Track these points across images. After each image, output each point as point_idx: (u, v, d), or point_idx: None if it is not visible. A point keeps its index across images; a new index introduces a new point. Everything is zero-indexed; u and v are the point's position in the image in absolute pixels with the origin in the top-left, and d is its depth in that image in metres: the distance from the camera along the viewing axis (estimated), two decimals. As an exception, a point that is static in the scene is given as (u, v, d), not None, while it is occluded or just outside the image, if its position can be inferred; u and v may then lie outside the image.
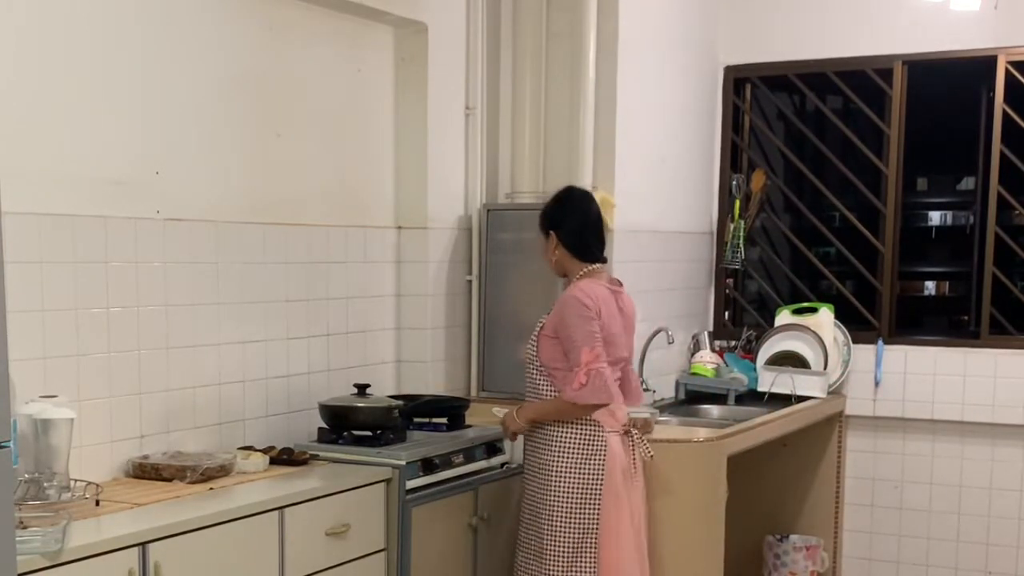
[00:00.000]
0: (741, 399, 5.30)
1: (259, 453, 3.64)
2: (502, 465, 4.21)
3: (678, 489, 4.22)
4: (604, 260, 3.90)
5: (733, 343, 5.82)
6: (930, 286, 6.27)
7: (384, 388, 4.37)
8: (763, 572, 5.48)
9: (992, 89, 5.36)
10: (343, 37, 4.22)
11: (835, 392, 5.45)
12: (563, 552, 3.76)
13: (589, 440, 3.78)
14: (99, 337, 3.35)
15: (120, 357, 3.42)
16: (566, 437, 3.78)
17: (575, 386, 3.69)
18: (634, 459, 3.84)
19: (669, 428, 4.57)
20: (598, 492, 3.76)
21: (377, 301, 4.43)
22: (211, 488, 3.31)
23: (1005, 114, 5.31)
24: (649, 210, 5.22)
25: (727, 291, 6.01)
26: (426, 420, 4.21)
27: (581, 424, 3.78)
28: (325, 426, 3.92)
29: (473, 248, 4.71)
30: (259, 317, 3.90)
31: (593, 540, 3.76)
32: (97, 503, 3.03)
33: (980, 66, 5.38)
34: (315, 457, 3.76)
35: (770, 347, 5.54)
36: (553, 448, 3.79)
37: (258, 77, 3.86)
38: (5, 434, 2.35)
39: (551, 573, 3.78)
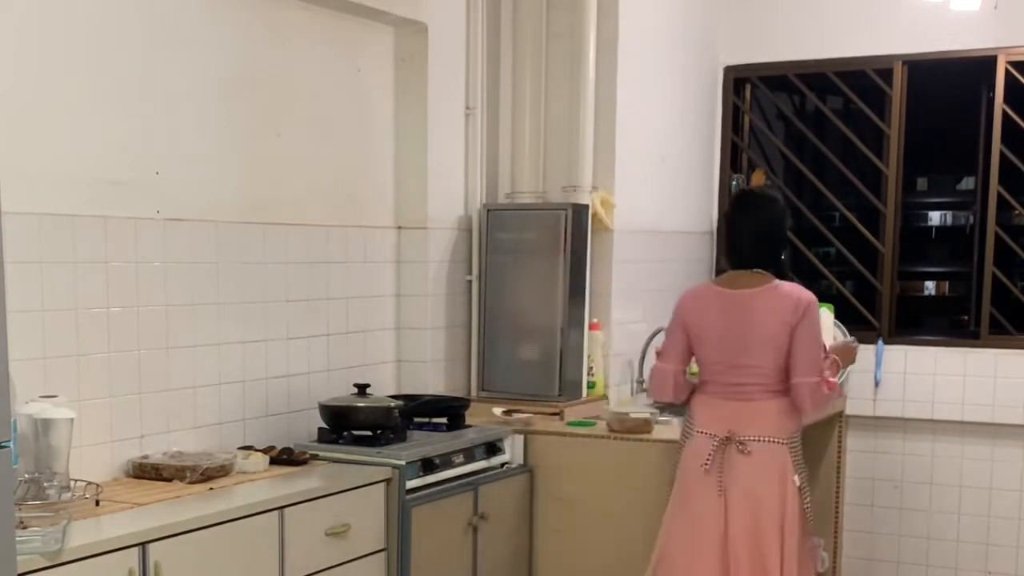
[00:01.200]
0: (741, 399, 5.29)
1: (259, 453, 3.64)
2: (502, 465, 4.22)
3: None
4: (747, 266, 3.86)
5: (733, 343, 5.81)
6: (930, 286, 6.27)
7: (384, 388, 4.37)
8: (763, 572, 5.47)
9: (992, 89, 5.36)
10: (343, 37, 4.22)
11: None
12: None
13: (685, 430, 3.94)
14: (99, 337, 3.35)
15: (120, 357, 3.42)
16: (684, 421, 3.98)
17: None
18: (719, 474, 3.75)
19: (669, 428, 4.56)
20: (673, 479, 3.90)
21: (377, 301, 4.43)
22: (211, 488, 3.31)
23: (1005, 114, 5.31)
24: (649, 210, 5.22)
25: (727, 291, 6.00)
26: (426, 420, 4.21)
27: (687, 413, 3.95)
28: (325, 426, 3.92)
29: (473, 248, 4.71)
30: (259, 317, 3.90)
31: (666, 519, 3.89)
32: (97, 503, 3.03)
33: (980, 66, 5.38)
34: (315, 457, 3.76)
35: (770, 347, 5.53)
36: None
37: (258, 77, 3.86)
38: (5, 434, 2.35)
39: None
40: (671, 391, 3.95)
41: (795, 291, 3.81)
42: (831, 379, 3.78)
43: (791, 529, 3.75)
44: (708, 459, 3.76)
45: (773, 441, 3.77)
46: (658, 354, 4.04)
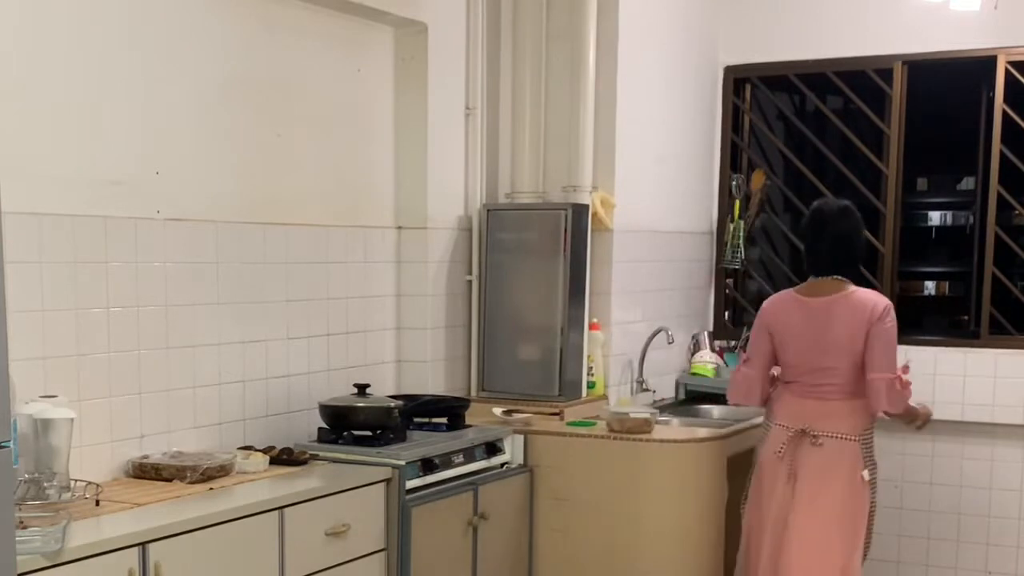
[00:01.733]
0: (741, 399, 5.30)
1: (259, 453, 3.64)
2: (502, 465, 4.22)
3: (678, 489, 4.22)
4: (826, 274, 4.09)
5: (733, 343, 5.81)
6: (930, 286, 6.27)
7: (384, 388, 4.37)
8: (763, 572, 5.47)
9: (992, 89, 5.36)
10: (343, 37, 4.22)
11: (835, 392, 5.44)
12: None
13: (765, 424, 4.20)
14: (99, 337, 3.35)
15: (120, 357, 3.42)
16: (765, 417, 4.24)
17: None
18: (792, 462, 4.00)
19: (669, 428, 4.57)
20: (754, 471, 4.18)
21: (377, 301, 4.43)
22: (211, 488, 3.31)
23: (1005, 114, 5.31)
24: (649, 210, 5.22)
25: (727, 291, 6.01)
26: (426, 420, 4.21)
27: (768, 409, 4.20)
28: (325, 426, 3.92)
29: (473, 248, 4.71)
30: (259, 317, 3.90)
31: (747, 504, 4.21)
32: (97, 503, 3.03)
33: (980, 66, 5.38)
34: (315, 457, 3.76)
35: (770, 347, 5.53)
36: None
37: (258, 77, 3.86)
38: (5, 434, 2.35)
39: None
40: (757, 397, 4.20)
41: (872, 297, 4.04)
42: (905, 377, 3.97)
43: (858, 519, 4.01)
44: (782, 447, 4.01)
45: (844, 438, 4.00)
46: (744, 360, 4.24)
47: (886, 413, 4.06)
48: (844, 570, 3.99)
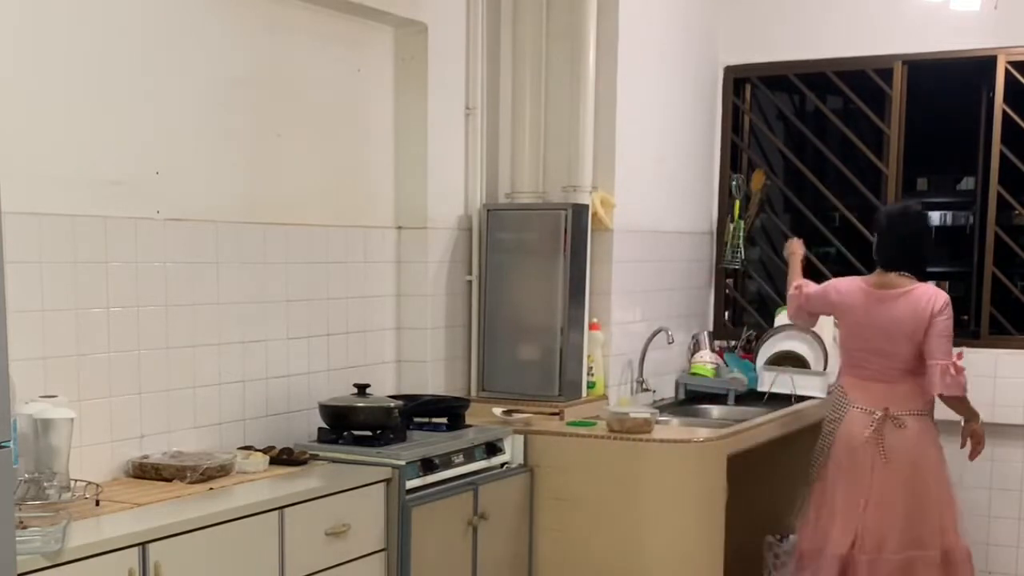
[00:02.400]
0: (741, 399, 5.30)
1: (259, 453, 3.64)
2: (502, 465, 4.22)
3: (678, 489, 4.22)
4: (890, 269, 4.52)
5: (733, 343, 5.82)
6: (930, 286, 6.27)
7: (384, 388, 4.37)
8: (763, 572, 5.47)
9: (992, 89, 5.36)
10: (343, 37, 4.22)
11: (835, 392, 5.45)
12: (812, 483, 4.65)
13: (835, 404, 4.62)
14: (99, 337, 3.35)
15: (120, 357, 3.42)
16: (832, 393, 4.76)
17: (793, 283, 4.87)
18: (881, 443, 4.43)
19: (669, 428, 4.57)
20: (826, 450, 4.57)
21: (377, 301, 4.43)
22: (211, 488, 3.31)
23: (1005, 114, 5.32)
24: (649, 210, 5.22)
25: (727, 291, 6.02)
26: (426, 420, 4.21)
27: (837, 391, 4.64)
28: (325, 426, 3.92)
29: (473, 248, 4.71)
30: (259, 317, 3.90)
31: (821, 484, 4.58)
32: (97, 503, 3.03)
33: (980, 66, 5.38)
34: (315, 457, 3.76)
35: (770, 347, 5.53)
36: (829, 399, 4.80)
37: (258, 77, 3.86)
38: (5, 434, 2.35)
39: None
40: (805, 316, 4.84)
41: (932, 292, 4.48)
42: (958, 363, 4.43)
43: (948, 481, 4.56)
44: (871, 429, 4.44)
45: (921, 414, 4.49)
46: (803, 289, 4.77)
47: (943, 398, 4.48)
48: (944, 532, 4.48)
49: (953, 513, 4.55)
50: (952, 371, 4.39)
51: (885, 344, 4.47)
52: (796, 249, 5.13)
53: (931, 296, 4.44)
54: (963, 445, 4.67)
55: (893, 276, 4.50)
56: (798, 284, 4.84)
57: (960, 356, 4.48)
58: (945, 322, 4.41)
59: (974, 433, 4.63)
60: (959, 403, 4.54)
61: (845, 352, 4.65)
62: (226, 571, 3.10)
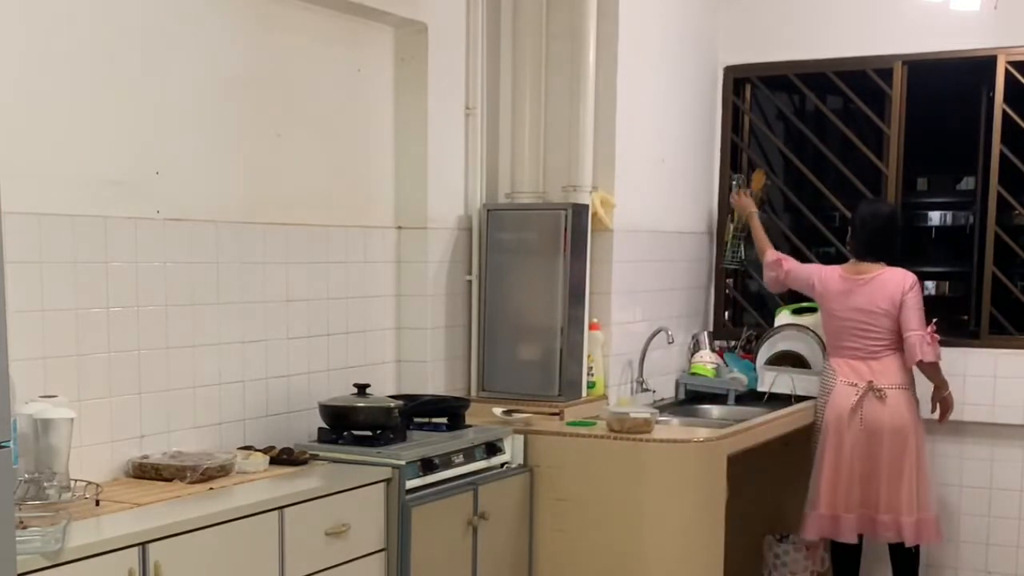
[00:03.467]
0: (741, 399, 5.31)
1: (259, 453, 3.64)
2: (502, 465, 4.22)
3: (678, 489, 4.22)
4: (864, 259, 5.09)
5: (733, 343, 5.82)
6: (930, 286, 6.26)
7: (384, 388, 4.37)
8: (763, 572, 5.48)
9: (992, 89, 5.36)
10: (343, 37, 4.22)
11: (835, 392, 5.45)
12: (815, 459, 5.10)
13: (824, 383, 5.12)
14: (99, 337, 3.35)
15: (120, 357, 3.42)
16: (822, 376, 5.17)
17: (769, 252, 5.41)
18: (860, 412, 4.93)
19: (669, 428, 4.57)
20: (821, 423, 5.06)
21: (377, 301, 4.43)
22: (211, 488, 3.31)
23: (1005, 114, 5.32)
24: (649, 210, 5.22)
25: (727, 291, 6.01)
26: (426, 420, 4.21)
27: (827, 371, 5.12)
28: (325, 426, 3.92)
29: (473, 248, 4.71)
30: (259, 317, 3.90)
31: (820, 457, 5.05)
32: (97, 503, 3.03)
33: (980, 66, 5.38)
34: (315, 457, 3.76)
35: (770, 347, 5.54)
36: (819, 382, 5.20)
37: (258, 77, 3.86)
38: (5, 434, 2.35)
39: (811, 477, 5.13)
40: (771, 282, 5.37)
41: (901, 273, 5.02)
42: (934, 334, 4.93)
43: (923, 447, 5.02)
44: (855, 401, 4.93)
45: (902, 388, 4.98)
46: (784, 260, 5.32)
47: (921, 367, 4.98)
48: (923, 506, 4.97)
49: (926, 482, 5.02)
50: (928, 339, 4.92)
51: (864, 323, 4.99)
52: (746, 205, 5.57)
53: (901, 276, 5.00)
54: (933, 410, 5.15)
55: (866, 264, 5.06)
56: (777, 258, 5.33)
57: (935, 326, 4.96)
58: (915, 297, 4.96)
59: (944, 400, 5.14)
60: (934, 370, 5.05)
61: (828, 335, 5.16)
62: (226, 571, 3.10)
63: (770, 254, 5.37)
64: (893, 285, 4.98)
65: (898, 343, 4.99)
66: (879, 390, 4.94)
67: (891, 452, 4.94)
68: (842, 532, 5.05)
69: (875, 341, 5.00)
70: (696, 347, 5.59)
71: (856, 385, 4.97)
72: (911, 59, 5.47)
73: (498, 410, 4.44)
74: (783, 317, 5.62)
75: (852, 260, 5.13)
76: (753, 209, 5.52)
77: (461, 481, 3.96)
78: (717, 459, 4.30)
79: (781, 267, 5.29)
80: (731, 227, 5.79)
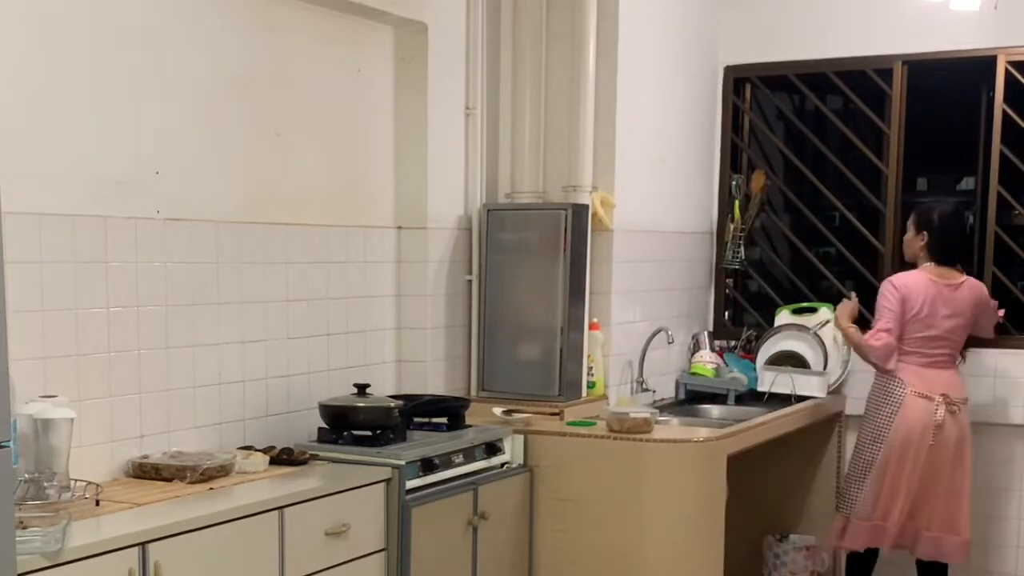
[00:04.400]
0: (741, 399, 5.31)
1: (259, 453, 3.64)
2: (502, 465, 4.22)
3: (678, 489, 4.22)
4: (945, 263, 4.94)
5: (733, 343, 5.82)
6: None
7: (384, 388, 4.37)
8: (763, 572, 5.48)
9: (992, 89, 5.36)
10: (343, 37, 4.22)
11: (835, 392, 5.45)
12: (857, 465, 4.97)
13: (888, 391, 4.88)
14: (99, 337, 3.35)
15: (120, 357, 3.42)
16: (879, 381, 4.95)
17: (869, 335, 4.90)
18: (938, 425, 4.77)
19: (669, 428, 4.57)
20: (886, 434, 4.84)
21: (377, 301, 4.43)
22: (211, 488, 3.31)
23: (1005, 114, 5.31)
24: (649, 210, 5.22)
25: (727, 291, 6.01)
26: (426, 420, 4.21)
27: (888, 376, 4.88)
28: (325, 426, 3.92)
29: (473, 248, 4.71)
30: (259, 317, 3.90)
31: (880, 468, 4.84)
32: (97, 503, 3.03)
33: (980, 66, 5.38)
34: (315, 457, 3.76)
35: (770, 347, 5.54)
36: (874, 387, 4.99)
37: (258, 77, 3.86)
38: (5, 434, 2.35)
39: (849, 477, 5.02)
40: (894, 360, 4.87)
41: (978, 282, 5.01)
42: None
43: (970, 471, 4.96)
44: (934, 415, 4.77)
45: (966, 403, 4.93)
46: (885, 329, 4.85)
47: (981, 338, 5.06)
48: (967, 526, 4.90)
49: (969, 502, 4.95)
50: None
51: (951, 331, 4.88)
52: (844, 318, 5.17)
53: (981, 285, 5.03)
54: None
55: (945, 269, 4.92)
56: (885, 341, 4.85)
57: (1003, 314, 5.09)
58: (991, 308, 5.01)
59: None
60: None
61: (906, 341, 4.88)
62: (226, 571, 3.10)
63: (876, 338, 4.86)
64: (979, 292, 4.95)
65: (957, 353, 4.97)
66: (954, 404, 4.83)
67: (953, 468, 4.85)
68: (881, 542, 4.95)
69: (951, 351, 4.92)
70: (696, 347, 5.59)
71: (931, 399, 4.81)
72: (911, 59, 5.47)
73: (498, 410, 4.44)
74: (783, 317, 5.62)
75: (930, 264, 4.92)
76: (847, 325, 5.11)
77: (461, 481, 3.96)
78: (717, 459, 4.30)
79: (890, 337, 4.85)
80: (731, 227, 5.79)
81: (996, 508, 5.39)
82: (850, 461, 5.09)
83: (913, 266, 5.02)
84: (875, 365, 4.93)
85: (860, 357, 5.07)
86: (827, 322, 5.41)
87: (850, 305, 5.17)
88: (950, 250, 4.94)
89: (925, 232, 4.95)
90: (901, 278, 4.93)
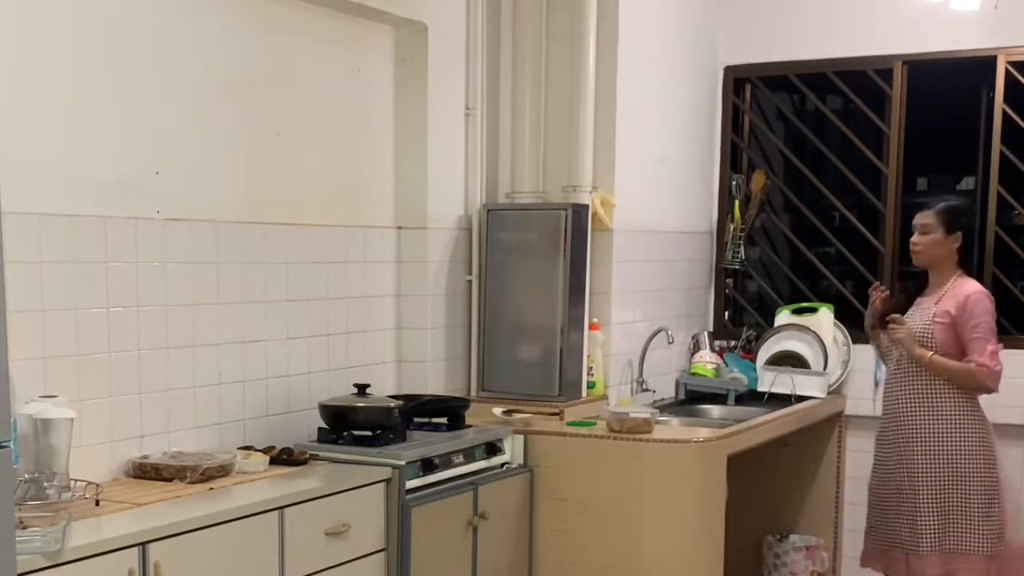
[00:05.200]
0: (741, 399, 5.31)
1: (259, 453, 3.64)
2: (502, 465, 4.22)
3: (678, 489, 4.22)
4: (967, 267, 4.65)
5: (733, 343, 5.82)
6: (930, 286, 6.27)
7: (384, 388, 4.37)
8: (763, 572, 5.48)
9: (992, 89, 5.36)
10: (343, 37, 4.22)
11: (835, 392, 5.45)
12: (979, 501, 4.55)
13: (975, 410, 4.55)
14: (99, 337, 3.35)
15: (120, 357, 3.42)
16: (963, 403, 4.52)
17: (986, 358, 4.43)
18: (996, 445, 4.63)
19: (669, 428, 4.57)
20: (992, 458, 4.59)
21: (377, 301, 4.43)
22: (211, 488, 3.31)
23: (1005, 114, 5.32)
24: (649, 210, 5.22)
25: (727, 291, 6.01)
26: (426, 420, 4.22)
27: (971, 400, 4.53)
28: (325, 426, 3.92)
29: (473, 248, 4.71)
30: (259, 317, 3.90)
31: (996, 492, 4.59)
32: (97, 503, 3.03)
33: (980, 66, 5.38)
34: (315, 457, 3.76)
35: (770, 347, 5.54)
36: (957, 412, 4.54)
37: (258, 77, 3.86)
38: (5, 434, 2.35)
39: (973, 517, 4.55)
40: (997, 380, 4.53)
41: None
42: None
43: None
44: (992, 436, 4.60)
45: None
46: (997, 351, 4.49)
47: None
48: None
49: None
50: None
51: None
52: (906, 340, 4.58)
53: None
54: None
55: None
56: (996, 356, 4.47)
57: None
58: None
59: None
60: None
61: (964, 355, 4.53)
62: (226, 571, 3.10)
63: (997, 362, 4.50)
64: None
65: None
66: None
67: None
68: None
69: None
70: (696, 347, 5.60)
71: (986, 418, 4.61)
72: (911, 59, 5.47)
73: (498, 410, 4.44)
74: (783, 317, 5.62)
75: (959, 272, 4.57)
76: (933, 355, 4.53)
77: (461, 481, 3.96)
78: (717, 459, 4.30)
79: (998, 356, 4.50)
80: (731, 227, 5.79)
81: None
82: (965, 495, 4.58)
83: (924, 271, 4.64)
84: (982, 390, 4.54)
85: (957, 386, 4.53)
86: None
87: (906, 328, 4.55)
88: (968, 256, 4.67)
89: (960, 233, 4.54)
90: (984, 288, 4.63)
